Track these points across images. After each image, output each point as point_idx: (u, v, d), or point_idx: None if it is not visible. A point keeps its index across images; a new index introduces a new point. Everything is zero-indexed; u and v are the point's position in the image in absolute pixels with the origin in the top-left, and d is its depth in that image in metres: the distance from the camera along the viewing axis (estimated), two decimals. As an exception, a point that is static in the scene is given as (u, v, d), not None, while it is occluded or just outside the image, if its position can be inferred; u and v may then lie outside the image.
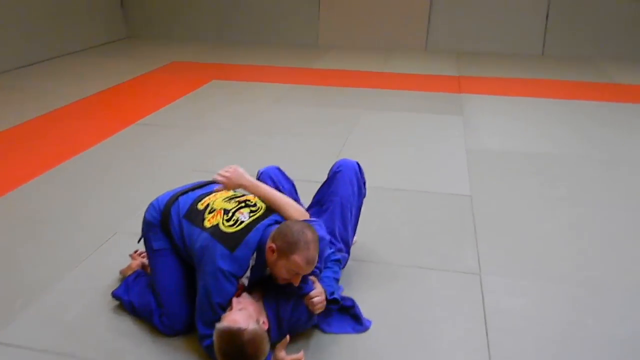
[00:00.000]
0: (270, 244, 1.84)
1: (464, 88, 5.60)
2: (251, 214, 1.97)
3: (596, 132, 4.34)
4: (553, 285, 2.37)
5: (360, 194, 2.37)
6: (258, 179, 2.26)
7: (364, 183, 2.39)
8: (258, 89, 5.49)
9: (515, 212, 3.02)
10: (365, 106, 4.92)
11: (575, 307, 2.23)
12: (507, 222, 2.91)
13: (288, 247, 1.79)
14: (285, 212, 2.02)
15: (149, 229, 2.10)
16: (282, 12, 7.85)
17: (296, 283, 1.87)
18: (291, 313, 1.92)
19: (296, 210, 2.04)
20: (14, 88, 5.51)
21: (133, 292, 2.15)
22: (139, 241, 2.20)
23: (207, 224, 1.94)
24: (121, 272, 2.36)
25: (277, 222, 1.96)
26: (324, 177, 2.41)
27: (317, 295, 1.93)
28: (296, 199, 2.30)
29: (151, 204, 2.14)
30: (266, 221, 1.95)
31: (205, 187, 2.18)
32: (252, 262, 1.89)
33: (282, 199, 2.07)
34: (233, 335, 1.68)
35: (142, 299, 2.10)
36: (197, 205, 2.04)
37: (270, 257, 1.85)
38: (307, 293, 1.93)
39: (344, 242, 2.29)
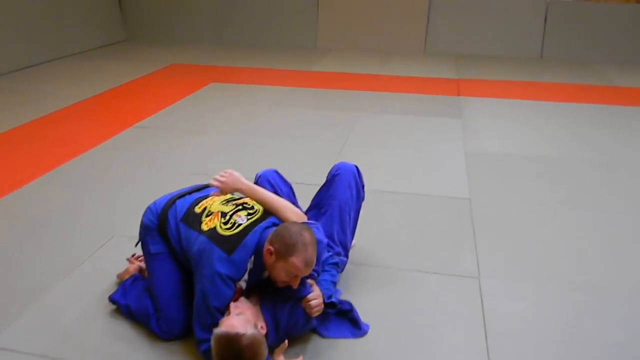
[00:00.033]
0: (268, 246, 1.83)
1: (462, 91, 5.60)
2: (249, 217, 1.96)
3: (595, 135, 4.34)
4: (552, 289, 2.36)
5: (359, 197, 2.36)
6: (256, 182, 2.25)
7: (363, 186, 2.39)
8: (257, 92, 5.49)
9: (515, 215, 3.02)
10: (364, 109, 4.92)
11: (575, 311, 2.22)
12: (506, 225, 2.90)
13: (286, 250, 1.78)
14: (282, 214, 2.01)
15: (146, 233, 2.10)
16: (281, 14, 7.85)
17: (295, 285, 1.86)
18: (289, 316, 1.91)
19: (293, 213, 2.04)
20: (12, 90, 5.50)
21: (130, 296, 2.14)
22: (136, 245, 2.19)
23: (205, 227, 1.94)
24: (118, 276, 2.35)
25: (274, 225, 1.95)
26: (323, 180, 2.40)
27: (315, 298, 1.93)
28: (294, 202, 2.29)
29: (148, 208, 2.13)
30: (264, 224, 1.94)
31: (203, 190, 2.17)
32: (250, 265, 1.88)
33: (279, 202, 2.06)
34: (231, 341, 1.67)
35: (139, 303, 2.09)
36: (194, 208, 2.03)
37: (269, 260, 1.84)
38: (305, 296, 1.92)
39: (343, 245, 2.28)
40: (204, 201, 2.06)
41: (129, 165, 3.66)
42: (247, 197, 2.10)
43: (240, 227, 1.91)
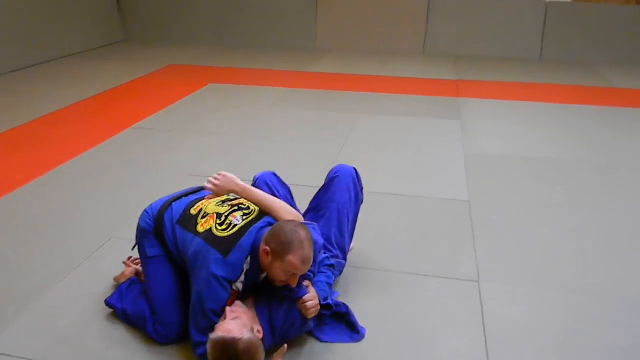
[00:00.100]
0: (264, 246, 1.82)
1: (462, 92, 5.59)
2: (244, 217, 1.94)
3: (595, 136, 4.33)
4: (553, 293, 2.35)
5: (358, 200, 2.34)
6: (254, 184, 2.24)
7: (361, 189, 2.37)
8: (256, 93, 5.47)
9: (514, 218, 3.00)
10: (362, 110, 4.90)
11: (576, 315, 2.21)
12: (506, 228, 2.89)
13: (282, 248, 1.77)
14: (278, 215, 2.00)
15: (143, 236, 2.08)
16: (279, 15, 7.83)
17: (294, 284, 1.85)
18: (284, 318, 1.90)
19: (289, 213, 2.02)
20: (11, 91, 5.48)
21: (127, 299, 2.12)
22: (133, 248, 2.17)
23: (200, 229, 1.92)
24: (115, 279, 2.33)
25: (270, 224, 1.94)
26: (321, 182, 2.39)
27: (311, 299, 1.91)
28: (292, 204, 2.27)
29: (145, 211, 2.12)
30: (259, 224, 1.93)
31: (199, 192, 2.16)
32: (246, 267, 1.87)
33: (275, 203, 2.04)
34: (227, 345, 1.66)
35: (135, 306, 2.07)
36: (190, 210, 2.02)
37: (265, 260, 1.83)
38: (301, 297, 1.91)
39: (341, 248, 2.26)
40: (199, 203, 2.05)
41: (127, 166, 3.64)
42: (242, 198, 2.08)
43: (236, 228, 1.89)
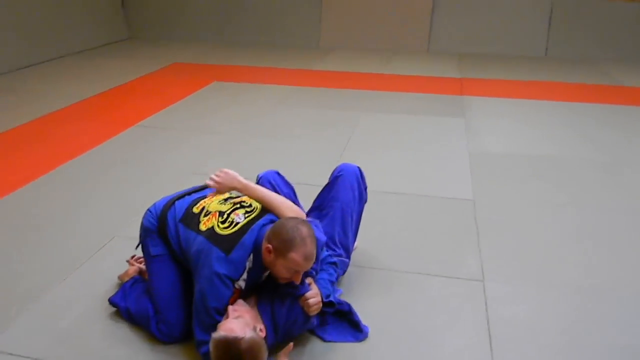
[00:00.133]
0: (266, 244, 1.81)
1: (466, 90, 5.57)
2: (246, 215, 1.94)
3: (600, 135, 4.30)
4: (558, 293, 2.33)
5: (362, 199, 2.33)
6: (257, 183, 2.23)
7: (365, 188, 2.36)
8: (259, 91, 5.47)
9: (519, 217, 2.98)
10: (366, 108, 4.89)
11: (580, 315, 2.19)
12: (510, 227, 2.87)
13: (284, 246, 1.76)
14: (280, 212, 1.99)
15: (146, 235, 2.08)
16: (283, 13, 7.82)
17: (297, 281, 1.85)
18: (286, 315, 1.89)
19: (291, 210, 2.01)
20: (12, 89, 5.48)
21: (130, 298, 2.12)
22: (136, 247, 2.17)
23: (203, 227, 1.92)
24: (119, 278, 2.33)
25: (272, 222, 1.93)
26: (325, 181, 2.37)
27: (313, 296, 1.90)
28: (296, 203, 2.26)
29: (148, 210, 2.12)
30: (261, 221, 1.92)
31: (202, 191, 2.16)
32: (249, 265, 1.86)
33: (277, 199, 2.03)
34: (230, 345, 1.65)
35: (139, 305, 2.07)
36: (192, 208, 2.02)
37: (268, 258, 1.82)
38: (303, 294, 1.90)
39: (344, 248, 2.25)
40: (202, 201, 2.05)
41: (130, 165, 3.64)
42: (244, 195, 2.07)
43: (238, 226, 1.89)
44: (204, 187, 2.17)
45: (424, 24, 7.49)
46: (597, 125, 4.55)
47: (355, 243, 2.41)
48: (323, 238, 2.00)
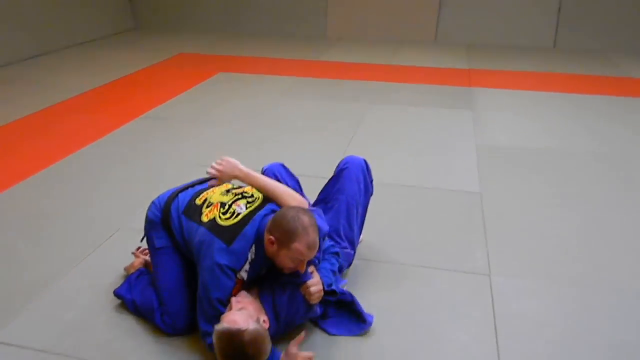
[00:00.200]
0: (268, 236, 1.80)
1: (474, 81, 5.52)
2: (248, 205, 1.93)
3: (609, 128, 4.25)
4: (565, 287, 2.31)
5: (367, 192, 2.32)
6: (262, 175, 2.21)
7: (371, 181, 2.34)
8: (265, 82, 5.44)
9: (527, 210, 2.96)
10: (373, 100, 4.86)
11: (587, 310, 2.17)
12: (517, 221, 2.84)
13: (287, 236, 1.76)
14: (282, 200, 1.97)
15: (151, 227, 2.08)
16: (290, 3, 7.77)
17: (302, 270, 1.85)
18: (288, 304, 1.88)
19: (293, 199, 1.99)
20: (19, 80, 5.49)
21: (135, 290, 2.12)
22: (142, 240, 2.17)
23: (205, 218, 1.92)
24: (125, 270, 2.33)
25: (273, 212, 1.92)
26: (331, 173, 2.36)
27: (315, 284, 1.90)
28: (301, 196, 2.24)
29: (152, 202, 2.12)
30: (262, 211, 1.91)
31: (205, 182, 2.15)
32: (251, 256, 1.85)
33: (279, 188, 2.02)
34: (233, 336, 1.65)
35: (144, 297, 2.07)
36: (195, 200, 2.02)
37: (271, 249, 1.81)
38: (304, 282, 1.89)
39: (349, 241, 2.24)
40: (204, 193, 2.04)
41: (135, 156, 3.64)
42: (245, 184, 2.06)
43: (239, 217, 1.88)
44: (208, 179, 2.16)
45: (431, 15, 7.42)
46: (606, 117, 4.49)
47: (361, 236, 2.40)
48: (325, 227, 1.98)
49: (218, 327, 1.68)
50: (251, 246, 1.85)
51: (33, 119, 4.35)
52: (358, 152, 2.79)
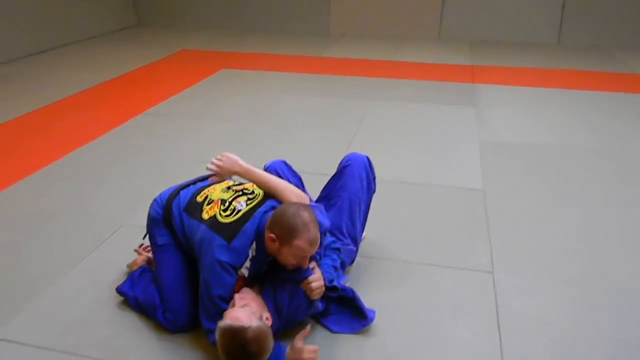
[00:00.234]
0: (269, 234, 1.80)
1: (477, 78, 5.50)
2: (248, 202, 1.93)
3: (614, 125, 4.23)
4: (569, 286, 2.30)
5: (370, 189, 2.31)
6: (264, 172, 2.21)
7: (374, 178, 2.33)
8: (268, 78, 5.43)
9: (530, 208, 2.94)
10: (376, 96, 4.84)
11: (591, 308, 2.16)
12: (521, 218, 2.83)
13: (288, 234, 1.75)
14: (282, 196, 1.97)
15: (153, 225, 2.08)
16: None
17: (305, 266, 1.85)
18: (289, 300, 1.88)
19: (294, 194, 1.99)
20: (20, 77, 5.49)
21: (138, 287, 2.12)
22: (144, 237, 2.17)
23: (205, 215, 1.91)
24: (128, 267, 2.33)
25: (273, 208, 1.91)
26: (333, 170, 2.35)
27: (316, 280, 1.89)
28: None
29: (154, 200, 2.12)
30: (262, 208, 1.91)
31: (207, 180, 2.15)
32: (252, 253, 1.84)
33: (279, 184, 2.01)
34: (236, 333, 1.64)
35: (146, 294, 2.07)
36: (196, 197, 2.02)
37: (272, 247, 1.81)
38: (306, 278, 1.88)
39: (352, 238, 2.23)
40: (205, 190, 2.04)
41: (138, 153, 3.63)
42: (246, 180, 2.06)
43: (240, 214, 1.88)
44: (209, 176, 2.16)
45: (435, 11, 7.39)
46: (612, 114, 4.47)
47: (364, 233, 2.39)
48: (326, 222, 1.97)
49: (221, 323, 1.68)
50: (252, 243, 1.84)
51: (34, 116, 4.35)
52: (360, 148, 2.79)
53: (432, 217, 2.83)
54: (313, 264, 1.95)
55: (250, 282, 1.91)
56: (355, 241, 2.26)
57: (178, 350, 1.92)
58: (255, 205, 1.92)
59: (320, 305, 1.97)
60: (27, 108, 4.47)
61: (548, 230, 2.73)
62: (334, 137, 3.88)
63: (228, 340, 1.65)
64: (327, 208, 2.23)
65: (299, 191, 2.03)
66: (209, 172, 2.14)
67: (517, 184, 3.21)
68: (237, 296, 1.80)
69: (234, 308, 1.74)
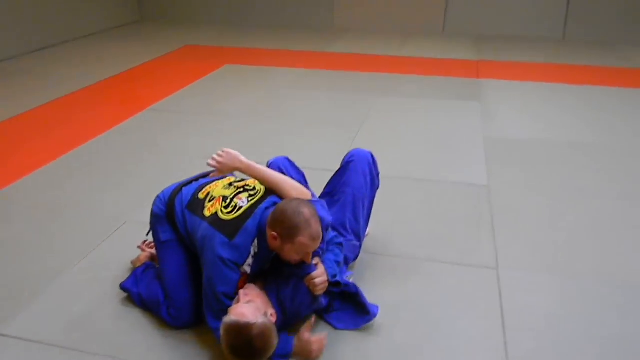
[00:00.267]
0: (270, 232, 1.79)
1: (482, 73, 5.47)
2: (250, 199, 1.92)
3: (620, 120, 4.20)
4: (574, 281, 2.29)
5: (374, 185, 2.30)
6: (267, 169, 2.20)
7: (378, 174, 2.32)
8: (271, 74, 5.42)
9: (535, 204, 2.93)
10: (380, 92, 4.82)
11: (595, 304, 2.15)
12: (526, 214, 2.82)
13: (290, 231, 1.75)
14: (283, 192, 1.96)
15: (156, 221, 2.08)
16: (296, -6, 7.73)
17: (309, 261, 1.84)
18: (292, 295, 1.87)
19: (295, 189, 1.98)
20: (25, 73, 5.49)
21: (142, 284, 2.12)
22: (147, 234, 2.17)
23: (207, 212, 1.91)
24: (132, 263, 2.33)
25: (275, 204, 1.90)
26: (337, 166, 2.34)
27: (319, 276, 1.89)
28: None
29: (157, 197, 2.12)
30: (264, 204, 1.90)
31: (209, 176, 2.14)
32: (254, 250, 1.84)
33: (280, 179, 2.00)
34: (241, 330, 1.65)
35: (150, 291, 2.07)
36: (198, 194, 2.01)
37: (275, 244, 1.80)
38: (309, 274, 1.88)
39: (355, 234, 2.22)
40: (207, 187, 2.03)
41: (141, 149, 3.63)
42: (247, 176, 2.05)
43: (241, 210, 1.87)
44: (211, 172, 2.15)
45: (439, 5, 7.35)
46: (617, 109, 4.44)
47: (368, 230, 2.38)
48: (328, 217, 1.96)
49: (226, 319, 1.68)
50: (253, 240, 1.84)
51: (38, 113, 4.35)
52: (364, 144, 2.78)
53: (436, 213, 2.82)
54: (317, 260, 1.94)
55: (253, 278, 1.91)
56: (359, 237, 2.25)
57: (181, 346, 1.92)
58: (256, 201, 1.91)
59: (323, 301, 1.97)
60: (31, 105, 4.48)
61: (553, 225, 2.71)
62: (338, 133, 3.87)
63: (233, 337, 1.65)
64: (331, 204, 2.22)
65: (300, 186, 2.02)
66: (211, 169, 2.14)
67: (522, 180, 3.19)
68: (241, 292, 1.80)
69: (239, 304, 1.74)
